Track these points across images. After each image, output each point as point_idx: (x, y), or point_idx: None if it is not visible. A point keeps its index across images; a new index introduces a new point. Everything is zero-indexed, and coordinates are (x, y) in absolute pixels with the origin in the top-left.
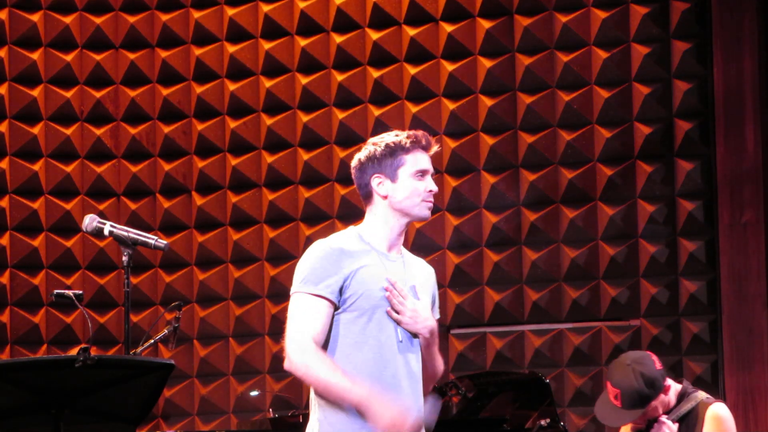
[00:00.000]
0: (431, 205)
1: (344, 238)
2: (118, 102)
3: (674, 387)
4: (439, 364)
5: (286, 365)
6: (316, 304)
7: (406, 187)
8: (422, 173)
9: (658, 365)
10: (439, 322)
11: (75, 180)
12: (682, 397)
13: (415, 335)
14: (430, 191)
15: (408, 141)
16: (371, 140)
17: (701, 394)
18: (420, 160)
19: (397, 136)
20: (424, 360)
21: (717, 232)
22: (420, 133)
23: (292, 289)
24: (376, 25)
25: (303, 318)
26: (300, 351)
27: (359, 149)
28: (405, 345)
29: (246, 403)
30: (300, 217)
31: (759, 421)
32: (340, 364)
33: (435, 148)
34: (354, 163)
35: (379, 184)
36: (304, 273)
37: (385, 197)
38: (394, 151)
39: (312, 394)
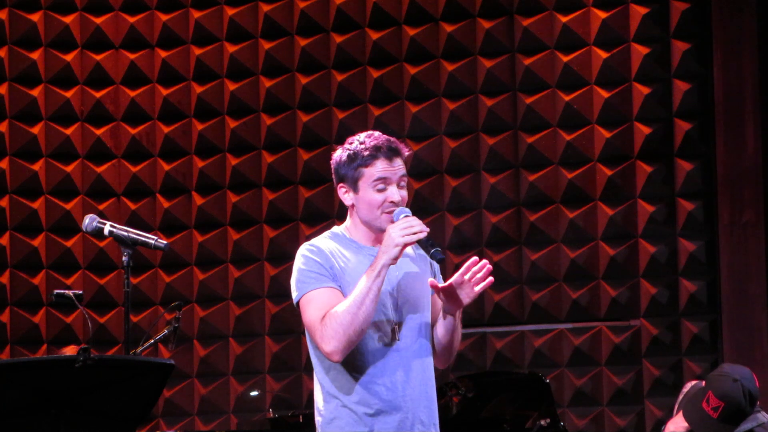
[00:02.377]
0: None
1: (327, 238)
2: (118, 102)
3: None
4: (459, 334)
5: (329, 351)
6: (323, 293)
7: (365, 200)
8: (383, 184)
9: (758, 384)
10: None
11: (75, 180)
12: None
13: (417, 320)
14: (391, 202)
15: (367, 152)
16: (347, 142)
17: (762, 416)
18: (380, 170)
19: (361, 144)
20: (452, 329)
21: (717, 232)
22: (382, 140)
23: (295, 299)
24: (376, 25)
25: (317, 310)
26: (321, 332)
27: None
28: (402, 346)
29: (246, 403)
30: (300, 217)
31: None
32: (335, 382)
33: (403, 154)
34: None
35: (345, 193)
36: (299, 277)
37: (352, 206)
38: (352, 162)
39: (316, 396)
